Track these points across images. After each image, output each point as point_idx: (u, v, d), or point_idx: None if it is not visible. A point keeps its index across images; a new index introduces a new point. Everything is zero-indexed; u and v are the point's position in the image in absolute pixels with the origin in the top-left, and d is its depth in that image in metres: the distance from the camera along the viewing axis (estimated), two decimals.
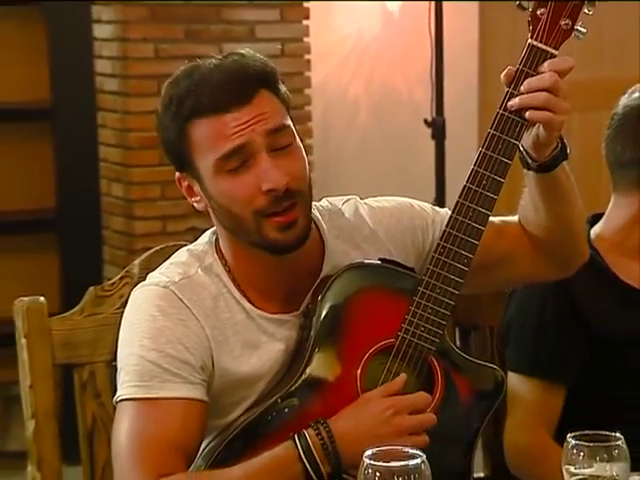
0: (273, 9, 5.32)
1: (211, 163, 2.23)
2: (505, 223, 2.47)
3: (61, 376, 2.56)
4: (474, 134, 5.89)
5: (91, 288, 2.56)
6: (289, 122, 2.28)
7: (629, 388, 2.72)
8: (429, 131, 5.26)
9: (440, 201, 5.05)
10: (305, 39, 5.42)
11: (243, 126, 2.20)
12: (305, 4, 5.41)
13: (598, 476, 1.92)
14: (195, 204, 2.33)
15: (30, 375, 2.50)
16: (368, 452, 1.81)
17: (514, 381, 2.72)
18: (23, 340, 2.51)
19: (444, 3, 5.17)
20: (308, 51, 5.43)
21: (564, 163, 2.32)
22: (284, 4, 5.35)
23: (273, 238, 2.23)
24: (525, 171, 2.34)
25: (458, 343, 2.90)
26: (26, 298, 2.54)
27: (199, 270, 2.31)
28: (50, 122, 5.30)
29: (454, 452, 2.35)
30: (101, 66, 5.16)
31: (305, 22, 5.41)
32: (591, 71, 6.26)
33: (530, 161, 2.30)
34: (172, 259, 2.36)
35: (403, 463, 1.79)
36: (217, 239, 2.36)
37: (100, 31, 5.23)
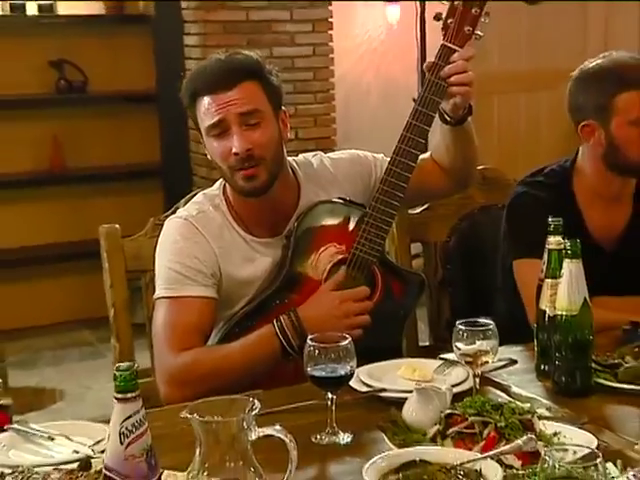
0: (307, 23, 5.22)
1: (204, 129, 2.21)
2: (421, 160, 2.36)
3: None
4: None
5: (151, 218, 2.51)
6: (262, 107, 2.20)
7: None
8: None
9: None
10: (330, 43, 5.32)
11: (222, 106, 2.16)
12: (330, 19, 5.31)
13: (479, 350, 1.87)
14: (208, 156, 2.29)
15: (110, 278, 2.47)
16: (310, 336, 1.80)
17: (519, 268, 2.47)
18: (104, 254, 2.47)
19: (426, 17, 5.07)
20: (332, 52, 5.34)
21: (469, 118, 2.29)
22: (315, 20, 5.24)
23: (240, 185, 2.21)
24: (441, 124, 2.30)
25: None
26: (107, 225, 2.50)
27: (210, 207, 2.28)
28: (156, 103, 5.29)
29: (389, 332, 2.31)
30: (189, 64, 5.10)
31: (330, 32, 5.32)
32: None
33: (448, 118, 2.26)
34: (192, 199, 2.33)
35: (334, 344, 1.77)
36: (225, 186, 2.31)
37: (189, 40, 5.17)
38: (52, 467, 1.61)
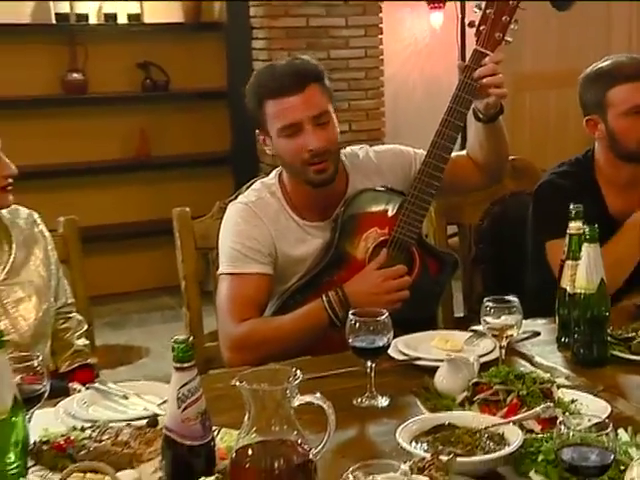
0: (360, 28, 5.14)
1: (275, 130, 2.14)
2: (457, 156, 2.32)
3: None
4: None
5: (217, 202, 2.48)
6: (328, 107, 2.16)
7: None
8: None
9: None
10: (380, 46, 5.23)
11: (296, 109, 2.11)
12: (380, 25, 5.22)
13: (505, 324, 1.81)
14: (268, 151, 2.23)
15: (181, 254, 2.46)
16: (352, 311, 1.77)
17: (551, 249, 2.34)
18: (177, 233, 2.46)
19: (465, 22, 4.95)
20: (382, 54, 5.25)
21: (500, 117, 2.22)
22: (367, 25, 5.16)
23: (311, 178, 2.16)
24: (474, 122, 2.24)
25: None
26: (179, 208, 2.48)
27: (267, 194, 2.25)
28: (227, 99, 5.27)
29: (426, 306, 2.28)
30: (256, 65, 5.04)
31: (380, 36, 5.23)
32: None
33: (481, 116, 2.20)
34: (252, 187, 2.30)
35: (373, 318, 1.74)
36: (281, 174, 2.26)
37: (256, 44, 5.12)
38: (124, 423, 1.60)
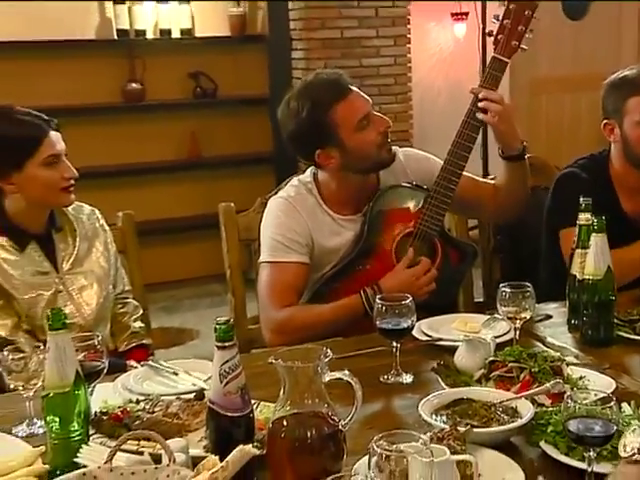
0: (390, 39, 5.10)
1: (351, 128, 2.12)
2: (483, 181, 2.32)
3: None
4: None
5: (259, 198, 2.47)
6: None
7: None
8: None
9: (485, 146, 4.79)
10: (408, 55, 5.20)
11: (361, 103, 2.14)
12: (408, 35, 5.18)
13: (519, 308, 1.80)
14: (324, 165, 2.20)
15: (226, 245, 2.46)
16: (379, 296, 1.77)
17: (563, 236, 2.31)
18: (222, 226, 2.47)
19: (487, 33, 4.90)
20: (410, 62, 5.22)
21: (522, 160, 2.20)
22: (396, 36, 5.12)
23: (384, 158, 2.18)
24: (500, 159, 2.24)
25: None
26: (224, 203, 2.48)
27: (304, 190, 2.25)
28: (269, 105, 5.23)
29: (447, 292, 2.25)
30: (296, 73, 5.07)
31: (408, 46, 5.20)
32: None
33: (502, 154, 2.20)
34: (290, 183, 2.30)
35: (398, 302, 1.74)
36: (315, 173, 2.26)
37: (295, 54, 5.12)
38: (174, 396, 1.62)
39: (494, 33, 2.15)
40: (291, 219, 2.18)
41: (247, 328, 2.40)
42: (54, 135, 2.04)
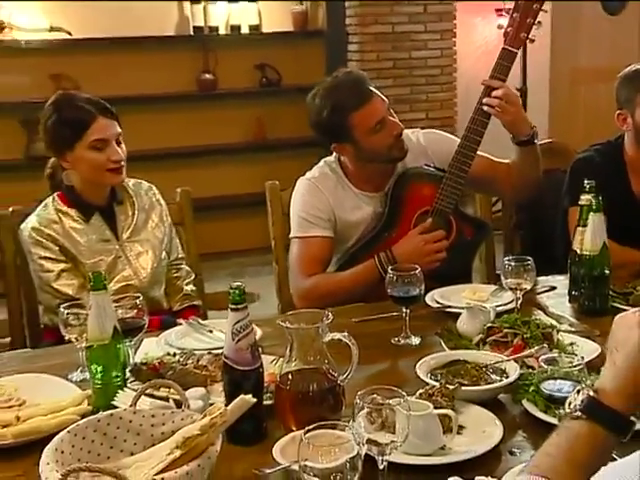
0: (437, 33, 5.02)
1: (365, 131, 2.11)
2: (498, 161, 2.26)
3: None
4: (545, 97, 5.46)
5: (298, 177, 2.46)
6: None
7: None
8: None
9: None
10: (454, 47, 5.11)
11: (378, 109, 2.11)
12: (454, 30, 5.08)
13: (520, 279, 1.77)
14: (339, 155, 2.23)
15: (272, 218, 2.47)
16: (390, 267, 1.77)
17: (571, 214, 2.24)
18: (268, 202, 2.47)
19: None
20: (455, 54, 5.12)
21: (532, 145, 2.14)
22: (443, 30, 5.03)
23: (396, 155, 2.16)
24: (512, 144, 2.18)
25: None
26: (270, 181, 2.49)
27: (329, 171, 2.25)
28: None
29: (461, 264, 2.23)
30: (351, 64, 4.98)
31: (454, 39, 5.10)
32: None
33: (513, 139, 2.15)
34: (317, 165, 2.29)
35: (407, 272, 1.74)
36: (338, 157, 2.25)
37: (351, 47, 5.07)
38: (206, 351, 1.65)
39: (504, 26, 2.10)
40: (314, 197, 2.18)
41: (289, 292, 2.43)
42: (103, 121, 2.07)
